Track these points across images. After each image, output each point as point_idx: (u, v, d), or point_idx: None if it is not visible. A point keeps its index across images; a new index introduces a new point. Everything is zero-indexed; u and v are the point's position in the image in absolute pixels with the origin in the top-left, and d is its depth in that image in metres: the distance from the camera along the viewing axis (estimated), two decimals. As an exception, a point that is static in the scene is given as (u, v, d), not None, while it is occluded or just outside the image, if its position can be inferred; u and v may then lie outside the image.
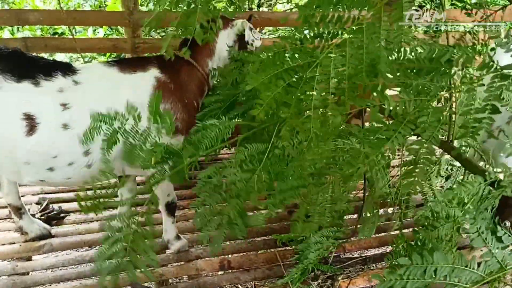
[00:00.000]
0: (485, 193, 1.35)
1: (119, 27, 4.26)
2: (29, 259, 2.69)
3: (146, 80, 2.25)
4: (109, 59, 2.41)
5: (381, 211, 2.77)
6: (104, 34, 4.16)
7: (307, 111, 1.49)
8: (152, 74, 2.28)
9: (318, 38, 1.42)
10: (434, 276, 1.10)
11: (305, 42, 1.46)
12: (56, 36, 3.98)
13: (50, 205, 3.12)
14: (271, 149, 1.70)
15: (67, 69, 2.11)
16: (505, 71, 1.22)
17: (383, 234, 2.92)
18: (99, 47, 3.37)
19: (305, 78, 1.36)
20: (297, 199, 1.74)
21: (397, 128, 1.39)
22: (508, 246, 1.18)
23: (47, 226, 2.84)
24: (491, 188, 1.38)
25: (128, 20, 3.31)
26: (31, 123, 1.96)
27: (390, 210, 2.88)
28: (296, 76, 1.42)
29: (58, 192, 3.31)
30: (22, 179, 2.14)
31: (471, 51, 1.37)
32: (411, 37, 1.37)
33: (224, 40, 2.59)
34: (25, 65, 2.05)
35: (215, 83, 2.67)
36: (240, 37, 2.62)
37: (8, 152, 2.01)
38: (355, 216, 2.96)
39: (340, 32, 1.38)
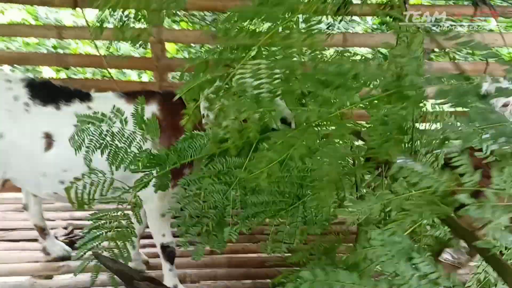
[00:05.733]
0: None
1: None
2: (48, 277, 2.91)
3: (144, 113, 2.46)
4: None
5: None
6: (138, 77, 4.60)
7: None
8: (150, 109, 2.46)
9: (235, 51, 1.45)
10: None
11: (224, 54, 1.51)
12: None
13: (75, 231, 3.36)
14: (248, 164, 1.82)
15: (85, 97, 2.46)
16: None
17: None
18: (129, 89, 3.73)
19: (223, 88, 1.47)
20: (268, 215, 1.82)
21: (301, 136, 1.44)
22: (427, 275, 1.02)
23: (69, 249, 3.06)
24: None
25: (156, 66, 3.65)
26: (49, 140, 2.32)
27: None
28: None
29: (84, 220, 3.55)
30: (41, 190, 2.46)
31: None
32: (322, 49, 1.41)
33: None
34: (52, 93, 2.44)
35: None
36: None
37: (31, 165, 2.36)
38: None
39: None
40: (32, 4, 3.69)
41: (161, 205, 2.53)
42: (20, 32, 3.58)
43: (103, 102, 2.45)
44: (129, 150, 1.88)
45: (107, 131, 1.85)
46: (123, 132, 1.87)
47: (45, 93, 2.42)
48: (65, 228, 3.40)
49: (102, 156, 1.85)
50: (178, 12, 4.30)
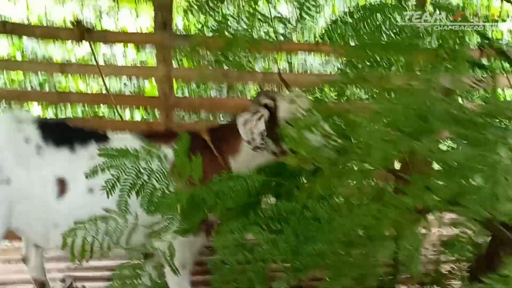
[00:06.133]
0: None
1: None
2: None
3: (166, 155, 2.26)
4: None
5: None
6: (141, 117, 4.41)
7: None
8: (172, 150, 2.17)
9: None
10: None
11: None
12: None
13: (74, 284, 3.04)
14: (301, 208, 1.61)
15: (102, 138, 2.24)
16: None
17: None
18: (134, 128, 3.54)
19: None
20: (322, 265, 1.60)
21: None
22: None
23: (69, 306, 2.74)
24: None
25: (163, 104, 3.46)
26: (62, 186, 2.09)
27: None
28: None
29: (83, 270, 3.24)
30: (49, 243, 2.18)
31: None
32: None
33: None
34: (67, 134, 2.24)
35: None
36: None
37: (40, 214, 2.10)
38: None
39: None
40: (35, 36, 3.48)
41: (183, 255, 2.22)
42: (21, 67, 3.38)
43: (122, 144, 2.23)
44: (167, 191, 1.65)
45: (144, 168, 1.63)
46: (163, 170, 1.65)
47: (59, 134, 2.21)
48: (63, 280, 3.07)
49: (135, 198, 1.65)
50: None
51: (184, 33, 4.82)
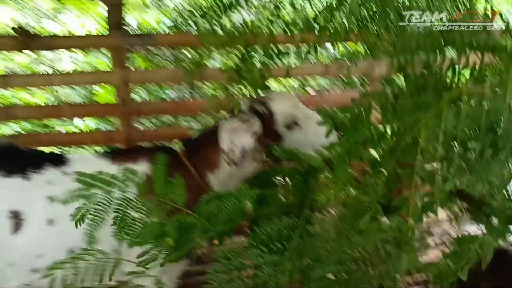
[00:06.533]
0: None
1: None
2: None
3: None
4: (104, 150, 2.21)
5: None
6: (95, 124, 4.05)
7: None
8: (141, 169, 1.94)
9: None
10: None
11: (402, 98, 1.09)
12: (44, 128, 3.88)
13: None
14: (302, 223, 1.44)
15: (58, 161, 1.98)
16: None
17: None
18: (92, 140, 3.25)
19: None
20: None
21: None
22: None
23: None
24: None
25: (122, 111, 3.19)
26: (17, 220, 1.82)
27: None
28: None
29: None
30: (7, 283, 1.89)
31: None
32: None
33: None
34: (17, 159, 1.96)
35: None
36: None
37: None
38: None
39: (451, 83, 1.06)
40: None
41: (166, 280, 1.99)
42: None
43: (83, 165, 1.97)
44: (147, 222, 1.43)
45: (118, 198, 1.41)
46: (139, 200, 1.43)
47: (8, 160, 1.94)
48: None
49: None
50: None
51: (139, 32, 4.52)
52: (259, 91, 2.08)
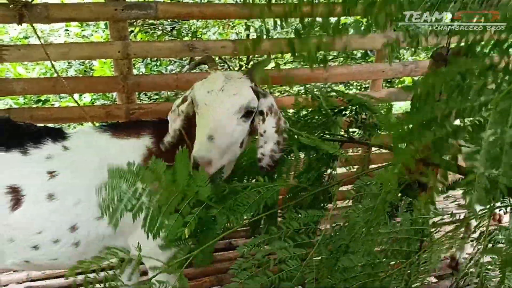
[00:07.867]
0: None
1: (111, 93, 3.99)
2: None
3: (136, 148, 1.94)
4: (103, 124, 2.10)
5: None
6: (91, 100, 3.86)
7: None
8: (143, 142, 1.95)
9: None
10: None
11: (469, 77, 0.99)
12: (40, 104, 3.68)
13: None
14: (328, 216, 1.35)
15: (58, 135, 1.91)
16: None
17: None
18: (91, 115, 3.09)
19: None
20: (363, 282, 1.35)
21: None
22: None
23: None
24: None
25: (122, 85, 3.04)
26: (16, 196, 1.74)
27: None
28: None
29: (45, 279, 2.89)
30: (6, 260, 1.85)
31: None
32: None
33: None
34: (15, 134, 1.88)
35: None
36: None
37: None
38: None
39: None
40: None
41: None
42: None
43: (83, 139, 1.92)
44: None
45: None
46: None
47: (6, 135, 1.85)
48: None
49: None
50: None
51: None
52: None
